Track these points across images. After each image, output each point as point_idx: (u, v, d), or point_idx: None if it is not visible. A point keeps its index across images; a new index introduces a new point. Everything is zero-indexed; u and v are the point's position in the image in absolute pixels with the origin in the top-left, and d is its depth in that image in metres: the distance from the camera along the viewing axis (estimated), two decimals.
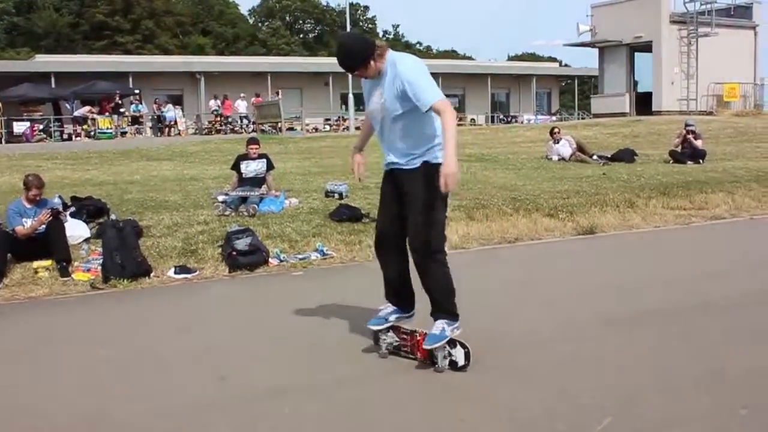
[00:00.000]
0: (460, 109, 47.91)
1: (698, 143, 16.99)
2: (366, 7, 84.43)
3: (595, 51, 36.51)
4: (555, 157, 17.01)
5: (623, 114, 33.41)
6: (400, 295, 5.08)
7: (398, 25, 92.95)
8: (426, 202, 4.71)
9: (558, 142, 17.26)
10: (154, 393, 4.56)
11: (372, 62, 4.68)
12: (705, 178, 13.79)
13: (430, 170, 4.66)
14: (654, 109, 33.11)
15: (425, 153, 4.76)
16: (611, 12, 34.63)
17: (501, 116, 47.44)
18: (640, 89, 35.57)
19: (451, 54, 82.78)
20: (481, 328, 5.56)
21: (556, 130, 17.79)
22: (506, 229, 9.78)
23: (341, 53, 4.73)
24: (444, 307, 4.83)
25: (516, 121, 43.42)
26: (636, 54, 35.07)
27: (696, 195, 12.24)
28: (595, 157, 16.91)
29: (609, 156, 17.15)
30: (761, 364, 4.78)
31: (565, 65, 66.13)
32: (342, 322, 5.89)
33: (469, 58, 78.36)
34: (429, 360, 4.86)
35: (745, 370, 4.66)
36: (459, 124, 39.98)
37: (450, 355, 4.79)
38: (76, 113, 32.33)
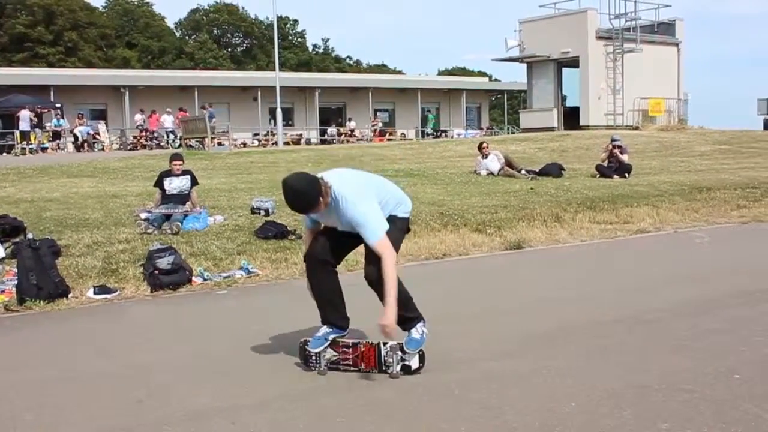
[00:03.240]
0: (390, 123, 48.16)
1: (624, 158, 17.32)
2: (295, 21, 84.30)
3: (524, 66, 37.00)
4: (483, 172, 17.13)
5: (551, 128, 33.90)
6: (340, 311, 5.11)
7: (328, 39, 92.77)
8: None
9: (486, 157, 17.39)
10: (68, 419, 4.38)
11: (321, 198, 4.79)
12: (630, 192, 14.03)
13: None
14: (582, 123, 33.67)
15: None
16: (539, 28, 35.15)
17: (430, 131, 47.73)
18: (568, 104, 36.17)
19: (382, 68, 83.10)
20: None
21: (484, 144, 17.94)
22: (434, 245, 9.77)
23: (293, 197, 4.78)
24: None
25: (446, 136, 43.71)
26: (564, 69, 35.65)
27: (621, 209, 12.45)
28: (523, 171, 17.09)
29: (537, 170, 17.35)
30: (682, 377, 4.81)
31: (495, 80, 66.96)
32: (266, 341, 5.77)
33: (400, 72, 78.79)
34: (375, 369, 4.97)
35: (666, 384, 4.69)
36: (389, 139, 40.52)
37: (403, 360, 4.94)
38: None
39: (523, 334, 5.91)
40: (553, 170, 17.32)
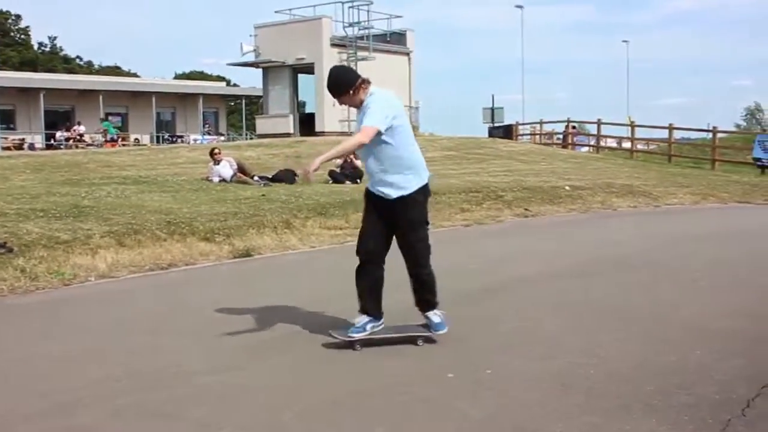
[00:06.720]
0: (123, 128, 46.36)
1: (358, 163, 17.67)
2: (18, 16, 78.87)
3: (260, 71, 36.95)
4: (216, 179, 16.82)
5: (287, 134, 34.09)
6: (378, 304, 5.76)
7: (56, 38, 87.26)
8: None
9: (219, 163, 17.11)
10: None
11: (353, 91, 5.53)
12: (361, 198, 14.22)
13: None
14: (317, 129, 34.14)
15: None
16: (274, 33, 35.27)
17: (166, 136, 46.53)
18: (307, 110, 36.55)
19: (115, 70, 79.81)
20: (129, 365, 5.24)
21: (216, 151, 17.63)
22: (159, 254, 9.40)
23: (329, 76, 5.65)
24: None
25: (182, 142, 42.78)
26: (301, 75, 36.00)
27: (352, 214, 12.61)
28: (256, 178, 16.99)
29: (270, 177, 17.30)
30: (400, 379, 4.92)
31: (234, 85, 66.46)
32: None
33: (134, 75, 76.07)
34: None
35: (384, 387, 4.77)
36: (123, 144, 38.96)
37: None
38: None
39: (245, 345, 5.77)
40: (287, 177, 17.34)
